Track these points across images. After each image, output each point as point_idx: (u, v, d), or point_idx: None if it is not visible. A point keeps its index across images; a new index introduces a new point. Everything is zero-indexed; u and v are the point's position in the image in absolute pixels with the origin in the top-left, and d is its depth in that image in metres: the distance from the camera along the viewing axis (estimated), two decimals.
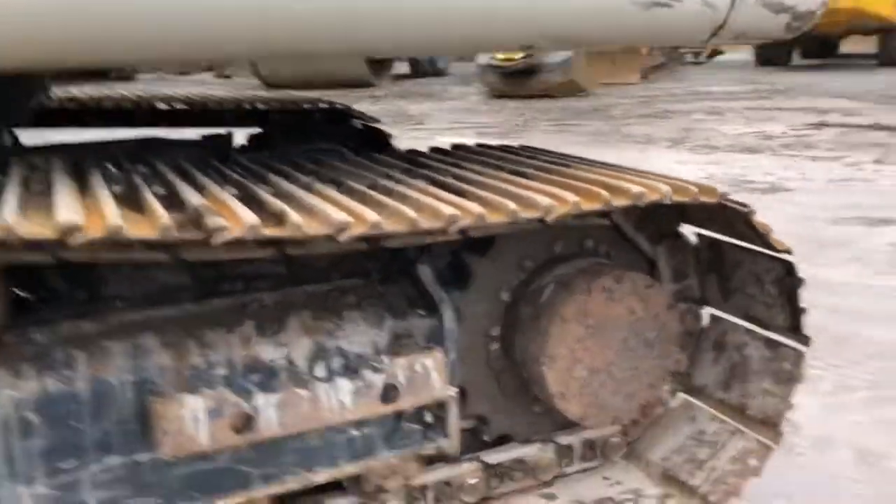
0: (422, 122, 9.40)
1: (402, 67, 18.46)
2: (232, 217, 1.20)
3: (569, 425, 1.93)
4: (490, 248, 1.75)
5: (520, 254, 1.79)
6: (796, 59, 18.96)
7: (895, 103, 9.92)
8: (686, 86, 13.87)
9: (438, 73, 19.01)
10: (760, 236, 1.63)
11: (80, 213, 1.12)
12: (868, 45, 18.56)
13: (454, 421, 1.65)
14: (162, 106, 3.15)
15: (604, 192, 1.45)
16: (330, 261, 1.68)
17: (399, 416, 1.59)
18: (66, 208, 1.13)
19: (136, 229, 1.14)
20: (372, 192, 1.48)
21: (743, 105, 10.41)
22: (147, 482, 1.40)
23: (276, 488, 1.51)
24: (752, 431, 1.81)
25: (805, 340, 1.73)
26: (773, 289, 1.76)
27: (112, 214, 1.13)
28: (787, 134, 7.86)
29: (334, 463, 1.55)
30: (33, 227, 1.08)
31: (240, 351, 1.44)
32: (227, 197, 1.33)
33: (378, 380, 1.41)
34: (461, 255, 1.76)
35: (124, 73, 15.75)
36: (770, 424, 1.78)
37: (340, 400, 1.38)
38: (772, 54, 18.09)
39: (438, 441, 1.64)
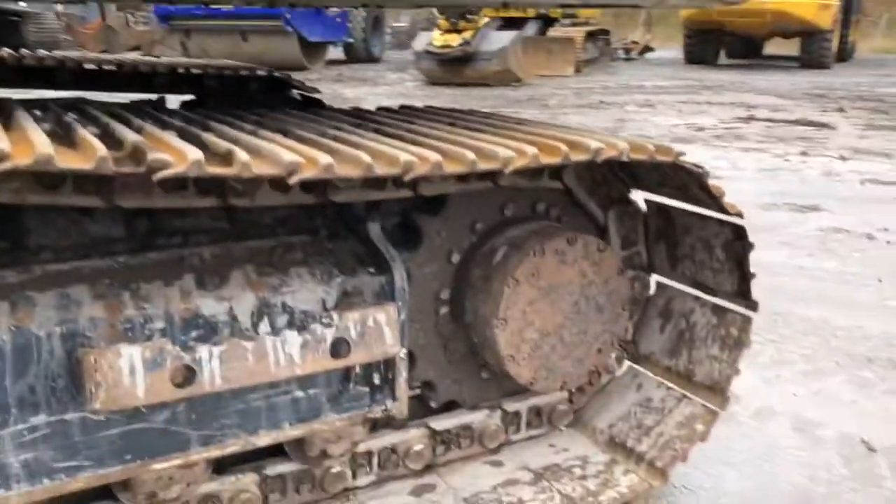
0: (357, 105, 9.25)
1: (336, 52, 18.21)
2: (175, 153, 1.11)
3: (515, 392, 1.90)
4: (442, 209, 1.70)
5: (472, 216, 1.74)
6: (723, 58, 19.45)
7: (819, 101, 10.26)
8: (618, 79, 14.08)
9: (373, 59, 18.83)
10: (714, 199, 1.62)
11: (7, 142, 1.02)
12: (790, 47, 19.19)
13: (403, 383, 1.59)
14: (90, 66, 2.98)
15: (562, 146, 1.41)
16: (274, 217, 1.61)
17: (346, 377, 1.53)
18: None
19: (68, 160, 1.05)
20: (322, 139, 1.41)
21: (675, 99, 10.61)
22: (77, 443, 1.31)
23: (216, 451, 1.43)
24: (699, 397, 1.81)
25: (753, 306, 1.74)
26: (722, 254, 1.76)
27: (42, 143, 1.04)
28: (717, 126, 8.04)
29: (278, 425, 1.48)
30: None
31: (179, 304, 1.36)
32: (169, 136, 1.25)
33: (328, 334, 1.34)
34: (411, 214, 1.70)
35: None
36: (717, 390, 1.78)
37: (288, 353, 1.31)
38: (700, 53, 18.53)
39: (386, 403, 1.58)
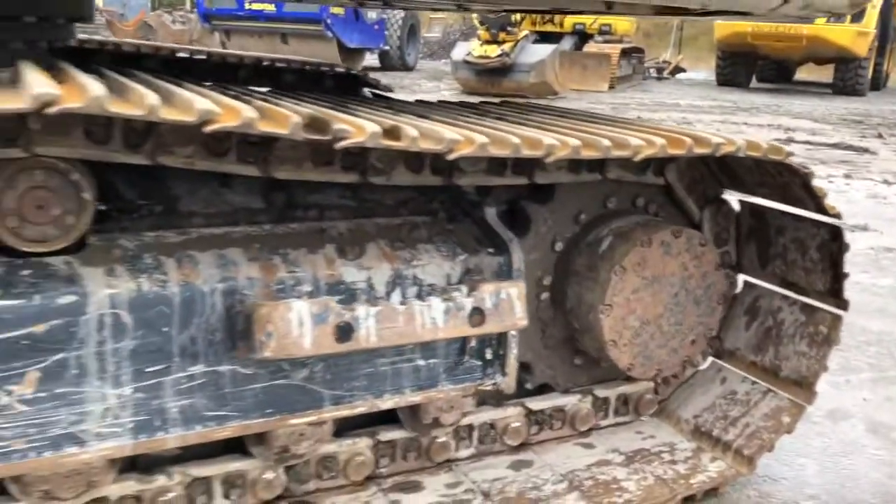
0: None
1: (371, 60, 18.41)
2: (353, 125, 1.21)
3: (605, 380, 1.99)
4: (550, 199, 1.79)
5: (577, 207, 1.83)
6: (753, 82, 19.46)
7: (857, 127, 10.28)
8: (653, 97, 14.13)
9: (407, 67, 19.00)
10: (815, 200, 1.70)
11: (214, 106, 1.12)
12: (822, 74, 19.16)
13: (513, 360, 1.69)
14: (182, 54, 3.10)
15: (687, 139, 1.50)
16: (395, 198, 1.70)
17: (462, 349, 1.62)
18: (201, 100, 1.13)
19: (267, 125, 1.15)
20: (462, 123, 1.50)
21: (711, 118, 10.66)
22: (227, 394, 1.40)
23: (346, 411, 1.53)
24: (786, 392, 1.88)
25: (844, 305, 1.81)
26: (817, 254, 1.84)
27: (245, 109, 1.13)
28: None
29: (401, 391, 1.57)
30: (175, 112, 1.08)
31: (324, 270, 1.46)
32: (335, 113, 1.34)
33: (467, 303, 1.43)
34: (521, 202, 1.79)
35: None
36: (804, 385, 1.85)
37: (433, 318, 1.40)
38: (732, 75, 18.56)
39: (496, 378, 1.67)
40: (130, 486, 1.45)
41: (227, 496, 1.55)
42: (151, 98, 1.06)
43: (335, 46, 14.78)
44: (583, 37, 15.33)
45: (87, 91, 1.04)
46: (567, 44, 14.43)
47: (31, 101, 0.98)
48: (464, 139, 1.28)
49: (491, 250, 1.64)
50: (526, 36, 12.72)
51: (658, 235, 1.75)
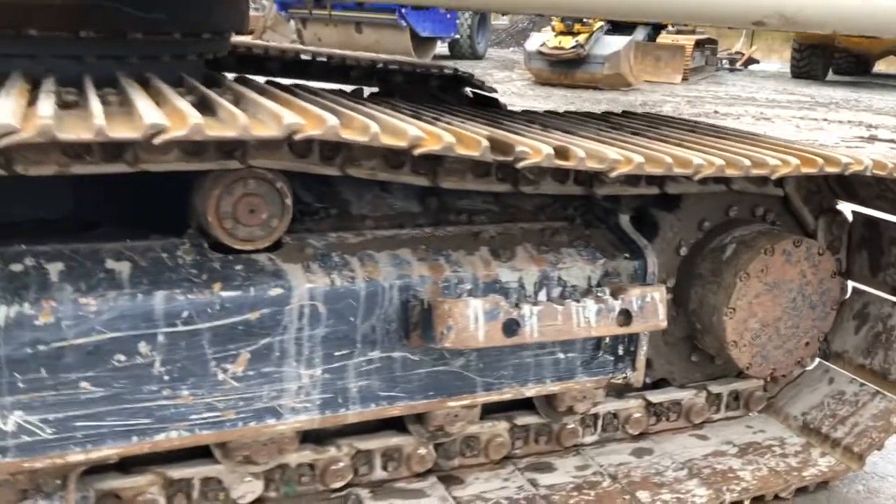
0: None
1: (441, 48, 18.57)
2: (530, 147, 1.37)
3: (718, 377, 2.12)
4: (677, 207, 1.93)
5: (701, 215, 1.97)
6: (829, 75, 19.01)
7: None
8: (727, 90, 13.99)
9: (477, 56, 19.13)
10: None
11: (420, 131, 1.29)
12: None
13: (642, 356, 1.84)
14: (305, 57, 3.31)
15: (819, 159, 1.62)
16: (534, 204, 1.87)
17: (598, 345, 1.78)
18: (411, 127, 1.30)
19: (463, 149, 1.32)
20: (608, 140, 1.65)
21: (789, 113, 10.53)
22: (397, 377, 1.59)
23: (494, 396, 1.71)
24: (895, 394, 1.99)
25: None
26: None
27: (445, 134, 1.31)
28: (839, 145, 8.00)
29: (542, 381, 1.74)
30: (391, 139, 1.26)
31: (482, 270, 1.63)
32: (505, 133, 1.51)
33: (616, 305, 1.59)
34: (650, 210, 1.93)
35: None
36: None
37: (587, 318, 1.56)
38: (808, 68, 18.18)
39: (627, 372, 1.83)
40: (307, 455, 1.65)
41: (385, 468, 1.75)
42: (374, 127, 1.24)
43: (408, 36, 14.98)
44: (656, 27, 15.21)
45: (323, 120, 1.23)
46: (640, 34, 14.34)
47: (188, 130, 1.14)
48: (624, 159, 1.44)
49: (627, 255, 1.79)
50: (601, 27, 12.70)
51: (781, 244, 1.87)
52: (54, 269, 1.36)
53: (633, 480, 1.84)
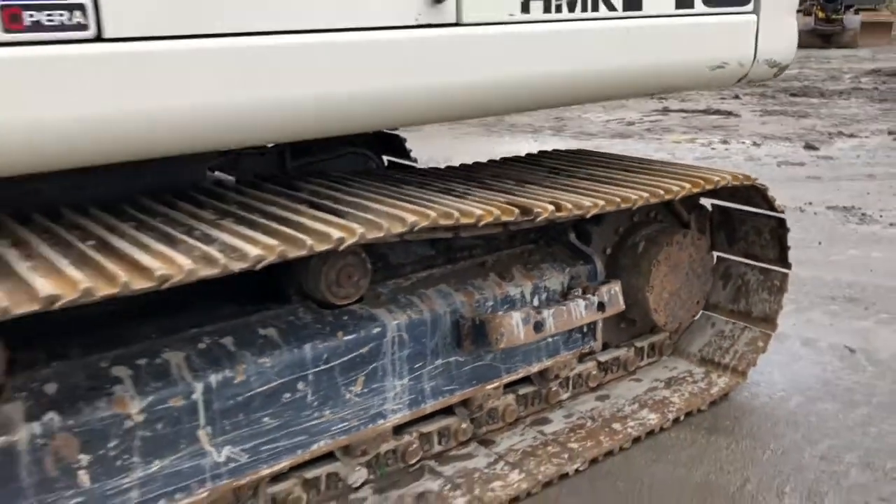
0: None
1: None
2: (544, 208, 2.06)
3: (639, 335, 2.93)
4: (601, 222, 2.70)
5: (616, 224, 2.75)
6: None
7: None
8: None
9: None
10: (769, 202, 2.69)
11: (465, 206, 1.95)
12: None
13: (599, 332, 2.59)
14: None
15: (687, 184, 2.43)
16: (509, 234, 2.56)
17: (570, 330, 2.51)
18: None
19: (465, 217, 1.99)
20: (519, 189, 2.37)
21: None
22: (456, 372, 2.24)
23: (512, 377, 2.40)
24: (757, 327, 2.89)
25: (789, 266, 2.82)
26: (769, 235, 2.83)
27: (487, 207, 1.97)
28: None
29: (541, 360, 2.45)
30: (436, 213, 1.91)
31: (497, 290, 2.31)
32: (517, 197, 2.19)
33: (595, 300, 2.33)
34: (584, 226, 2.69)
35: None
36: (769, 320, 2.86)
37: (580, 311, 2.28)
38: None
39: (591, 344, 2.58)
40: (391, 443, 2.26)
41: (440, 443, 2.39)
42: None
43: None
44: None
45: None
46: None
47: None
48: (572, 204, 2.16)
49: (582, 261, 2.53)
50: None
51: (675, 237, 2.69)
52: (228, 341, 1.89)
53: (605, 418, 2.60)
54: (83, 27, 1.41)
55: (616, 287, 2.39)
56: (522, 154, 2.96)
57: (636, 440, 2.53)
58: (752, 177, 2.60)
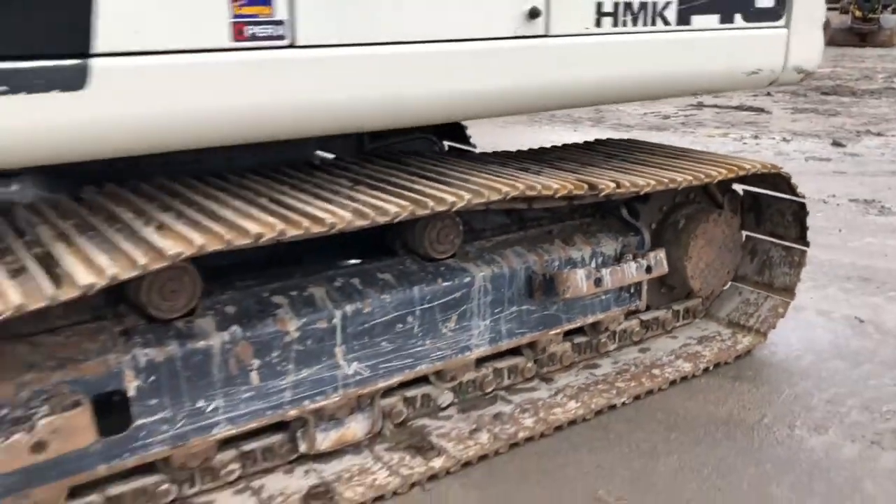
0: None
1: None
2: (607, 185, 2.55)
3: (676, 300, 3.41)
4: (648, 200, 3.18)
5: (660, 203, 3.23)
6: None
7: None
8: None
9: None
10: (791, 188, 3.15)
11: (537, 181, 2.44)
12: None
13: (644, 293, 3.08)
14: None
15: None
16: (570, 208, 3.05)
17: (621, 287, 3.00)
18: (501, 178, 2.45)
19: (546, 189, 2.48)
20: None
21: None
22: (527, 318, 2.74)
23: (570, 325, 2.89)
24: (779, 296, 3.36)
25: (807, 244, 3.28)
26: (791, 217, 3.29)
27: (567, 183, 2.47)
28: None
29: (595, 313, 2.95)
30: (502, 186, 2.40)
31: (562, 253, 2.80)
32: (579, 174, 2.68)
33: (644, 263, 2.82)
34: (633, 203, 3.17)
35: None
36: (789, 290, 3.33)
37: (630, 272, 2.77)
38: None
39: (636, 303, 3.07)
40: (472, 374, 2.77)
41: (509, 377, 2.89)
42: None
43: None
44: None
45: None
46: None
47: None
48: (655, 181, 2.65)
49: (632, 233, 3.02)
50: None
51: (710, 216, 3.17)
52: (357, 281, 2.41)
53: (646, 365, 3.09)
54: (282, 38, 1.93)
55: (661, 254, 2.88)
56: (570, 142, 3.44)
57: (672, 382, 3.02)
58: (779, 166, 3.07)
